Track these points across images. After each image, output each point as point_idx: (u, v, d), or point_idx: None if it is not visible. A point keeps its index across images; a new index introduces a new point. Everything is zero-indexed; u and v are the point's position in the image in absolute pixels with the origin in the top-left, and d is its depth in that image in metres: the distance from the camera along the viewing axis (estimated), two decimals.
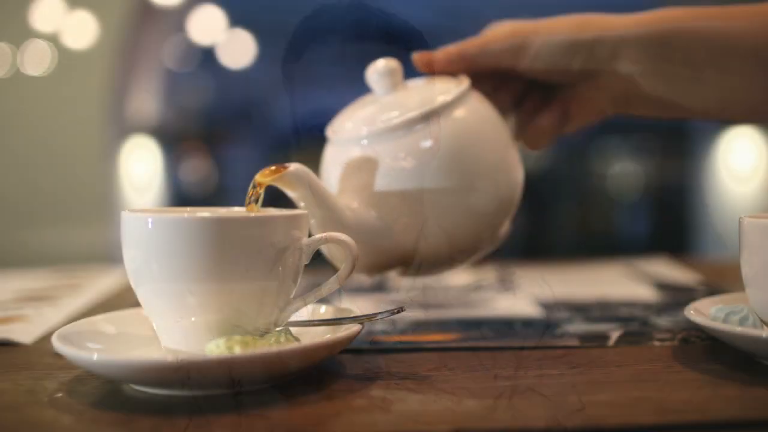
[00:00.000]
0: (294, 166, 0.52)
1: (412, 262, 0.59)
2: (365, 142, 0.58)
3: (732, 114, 0.67)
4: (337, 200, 0.55)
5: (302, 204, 0.55)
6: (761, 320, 0.51)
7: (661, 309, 0.68)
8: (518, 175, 0.61)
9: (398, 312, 0.49)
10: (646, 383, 0.46)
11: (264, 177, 0.52)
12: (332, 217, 0.55)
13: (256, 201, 0.52)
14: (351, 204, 0.56)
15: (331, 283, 0.51)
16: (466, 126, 0.58)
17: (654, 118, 0.67)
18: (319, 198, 0.54)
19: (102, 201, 3.40)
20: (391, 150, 0.57)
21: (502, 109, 0.64)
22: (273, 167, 0.53)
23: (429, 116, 0.57)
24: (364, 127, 0.58)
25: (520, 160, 0.62)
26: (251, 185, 0.52)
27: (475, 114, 0.59)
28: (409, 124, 0.57)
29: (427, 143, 0.56)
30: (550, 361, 0.51)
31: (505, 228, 0.63)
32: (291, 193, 0.55)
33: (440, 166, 0.56)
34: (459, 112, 0.58)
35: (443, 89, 0.59)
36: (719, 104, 0.63)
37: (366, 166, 0.57)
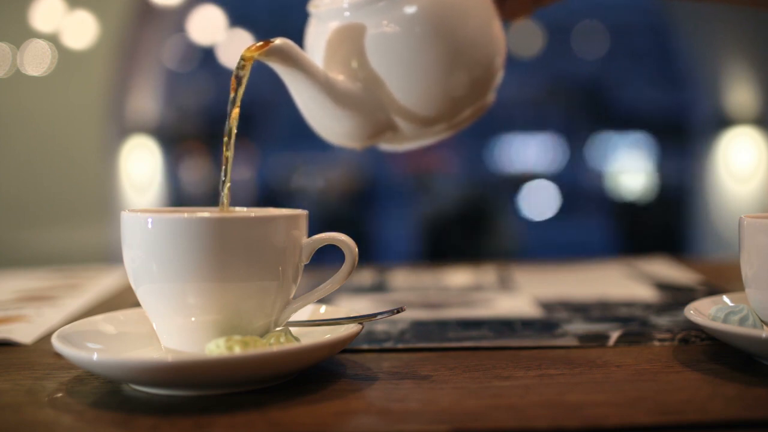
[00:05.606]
0: (280, 40, 0.52)
1: (396, 129, 0.60)
2: (347, 13, 0.58)
3: None
4: (324, 73, 0.56)
5: (289, 80, 0.55)
6: (761, 320, 0.51)
7: (661, 309, 0.68)
8: (501, 44, 0.61)
9: (398, 312, 0.49)
10: (646, 383, 0.46)
11: (250, 52, 0.51)
12: (320, 91, 0.55)
13: (238, 91, 0.51)
14: (337, 77, 0.57)
15: (331, 283, 0.51)
16: None
17: None
18: (306, 72, 0.54)
19: (102, 201, 3.40)
20: (374, 19, 0.57)
21: None
22: (259, 43, 0.52)
23: None
24: None
25: (504, 35, 0.62)
26: (237, 65, 0.51)
27: None
28: None
29: (411, 9, 0.56)
30: (550, 361, 0.51)
31: (491, 97, 0.63)
32: (278, 69, 0.55)
33: (425, 32, 0.57)
34: None
35: None
36: None
37: (349, 37, 0.57)
